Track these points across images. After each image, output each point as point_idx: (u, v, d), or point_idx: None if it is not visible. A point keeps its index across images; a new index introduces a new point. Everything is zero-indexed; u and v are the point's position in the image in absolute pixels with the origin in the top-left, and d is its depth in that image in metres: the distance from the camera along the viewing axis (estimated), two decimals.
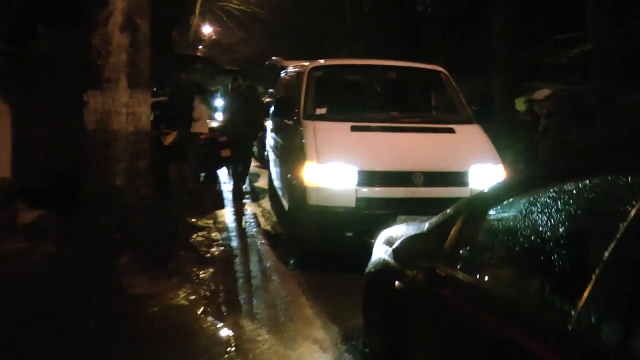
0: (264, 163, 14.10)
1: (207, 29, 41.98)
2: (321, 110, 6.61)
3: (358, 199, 5.89)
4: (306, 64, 7.49)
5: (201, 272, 6.34)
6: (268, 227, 8.34)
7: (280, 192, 8.05)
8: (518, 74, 14.11)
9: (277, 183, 8.49)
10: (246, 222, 8.75)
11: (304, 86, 6.90)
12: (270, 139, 9.73)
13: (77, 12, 7.13)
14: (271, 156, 9.39)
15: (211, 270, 6.45)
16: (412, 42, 23.53)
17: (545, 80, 15.67)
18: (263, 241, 7.63)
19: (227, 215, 9.16)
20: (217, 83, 19.52)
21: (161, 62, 14.66)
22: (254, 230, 8.25)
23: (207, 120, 12.39)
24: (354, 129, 6.26)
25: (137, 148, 6.73)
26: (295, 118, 6.85)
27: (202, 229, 8.06)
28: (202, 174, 11.84)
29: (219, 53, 41.38)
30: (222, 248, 7.24)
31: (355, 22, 30.46)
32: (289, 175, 6.91)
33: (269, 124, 10.19)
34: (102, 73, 6.50)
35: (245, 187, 11.06)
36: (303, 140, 6.27)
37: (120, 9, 6.52)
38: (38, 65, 8.66)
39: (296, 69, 8.11)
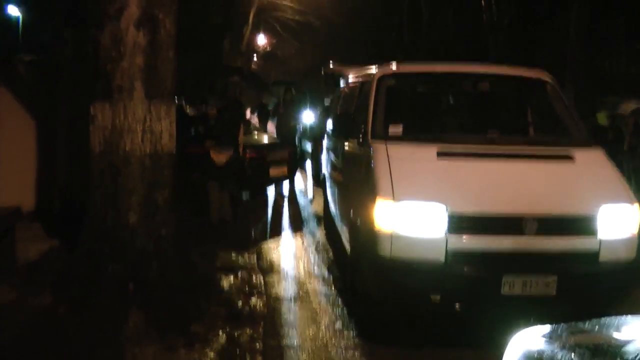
0: (319, 182, 12.60)
1: (261, 40, 41.12)
2: (396, 130, 4.99)
3: (449, 252, 4.28)
4: (373, 70, 5.90)
5: (235, 334, 4.92)
6: (324, 269, 6.76)
7: (338, 226, 6.48)
8: (596, 85, 12.32)
9: (335, 213, 6.92)
10: (297, 259, 7.17)
11: (372, 98, 5.33)
12: (326, 159, 8.15)
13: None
14: (328, 180, 7.82)
15: (248, 332, 4.98)
16: (475, 53, 21.86)
17: (622, 93, 13.90)
18: (318, 289, 6.06)
19: (273, 249, 7.60)
20: (270, 95, 18.12)
21: (209, 71, 13.35)
22: (307, 272, 6.66)
23: (257, 136, 11.02)
24: (441, 154, 4.63)
25: (156, 176, 5.23)
26: (360, 139, 5.27)
27: (240, 269, 6.53)
28: (246, 194, 10.36)
29: (273, 65, 40.83)
30: (264, 299, 5.69)
31: (414, 33, 29.16)
32: (351, 213, 5.33)
33: (325, 141, 8.63)
34: (112, 80, 5.04)
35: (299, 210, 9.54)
36: (372, 169, 4.69)
37: (137, 1, 5.06)
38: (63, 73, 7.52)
39: (360, 77, 6.53)
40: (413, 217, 4.32)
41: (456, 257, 4.27)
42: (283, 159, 10.98)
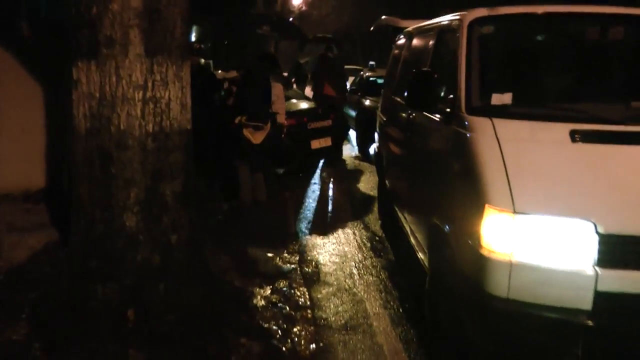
0: (366, 156, 11.06)
1: (296, 0, 39.46)
2: (503, 99, 3.42)
3: (600, 295, 2.75)
4: (452, 17, 4.32)
5: None
6: (387, 282, 5.28)
7: (407, 227, 5.01)
8: None
9: (400, 207, 5.43)
10: (350, 263, 5.70)
11: (462, 54, 3.75)
12: (384, 134, 6.61)
13: None
14: (387, 161, 6.31)
15: None
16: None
17: None
18: (381, 314, 4.61)
19: (319, 247, 6.15)
20: (305, 54, 16.41)
21: (237, 22, 11.66)
22: (365, 284, 5.20)
23: (295, 101, 9.48)
24: (578, 136, 3.07)
25: (162, 162, 3.80)
26: (446, 112, 3.71)
27: (278, 279, 5.12)
28: (283, 169, 8.92)
29: (308, 25, 39.28)
30: (311, 329, 4.28)
31: None
32: (432, 216, 3.82)
33: (381, 111, 7.08)
34: (98, 29, 3.58)
35: (347, 192, 8.03)
36: (472, 159, 3.15)
37: None
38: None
39: (432, 28, 4.94)
40: (543, 240, 2.80)
41: (611, 305, 2.75)
42: (326, 128, 9.47)
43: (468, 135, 3.29)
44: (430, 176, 4.02)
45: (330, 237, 6.39)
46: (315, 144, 9.17)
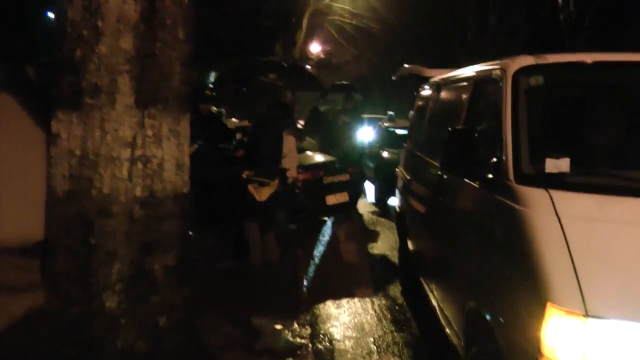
0: (384, 210, 10.47)
1: (315, 48, 39.53)
2: (557, 165, 2.83)
3: None
4: (492, 65, 3.77)
5: None
6: (406, 355, 4.63)
7: (439, 308, 4.36)
8: None
9: (426, 279, 4.85)
10: (369, 340, 5.05)
11: (506, 108, 3.18)
12: (407, 193, 6.04)
13: None
14: (411, 222, 5.74)
15: None
16: None
17: None
18: None
19: (333, 317, 5.50)
20: (325, 102, 15.95)
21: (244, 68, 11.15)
22: None
23: (311, 154, 8.95)
24: None
25: (153, 232, 3.23)
26: (488, 179, 3.13)
27: (286, 356, 4.49)
28: (296, 226, 8.33)
29: (328, 73, 39.21)
30: None
31: (480, 36, 27.07)
32: (470, 302, 3.20)
33: (404, 167, 6.52)
34: (82, 75, 3.07)
35: (362, 254, 7.39)
36: (527, 241, 2.55)
37: None
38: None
39: (469, 77, 4.39)
40: (624, 352, 2.18)
41: None
42: (343, 183, 8.90)
43: (519, 210, 2.69)
44: (467, 251, 3.41)
45: (346, 305, 5.75)
46: (332, 200, 8.59)
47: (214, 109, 11.94)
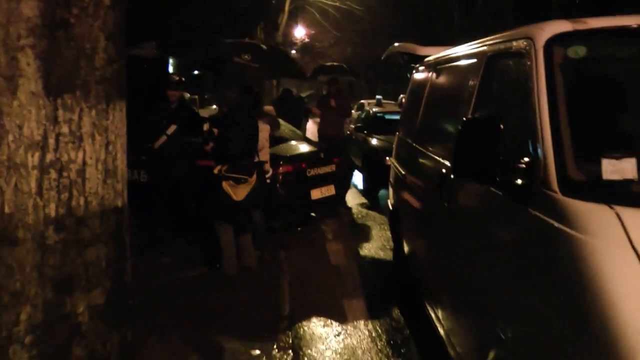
0: (374, 202, 9.70)
1: (299, 32, 38.76)
2: (619, 168, 2.05)
3: None
4: (513, 34, 3.00)
5: None
6: None
7: (440, 328, 3.62)
8: None
9: (428, 295, 4.11)
10: None
11: (541, 92, 2.40)
12: (402, 189, 5.27)
13: None
14: (408, 225, 4.99)
15: None
16: None
17: None
18: None
19: (319, 340, 4.73)
20: (307, 88, 15.10)
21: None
22: None
23: (295, 143, 8.17)
24: None
25: (73, 262, 2.43)
26: (518, 186, 2.35)
27: None
28: (276, 224, 7.54)
29: (311, 58, 38.45)
30: None
31: (465, 19, 26.40)
32: (497, 330, 2.43)
33: (399, 162, 5.75)
34: None
35: (352, 256, 6.60)
36: (584, 279, 1.78)
37: None
38: None
39: (479, 51, 3.58)
40: None
41: None
42: (329, 175, 8.11)
43: (573, 237, 1.92)
44: (487, 281, 2.64)
45: (335, 323, 4.98)
46: (317, 194, 7.80)
47: (187, 95, 11.09)
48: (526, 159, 2.35)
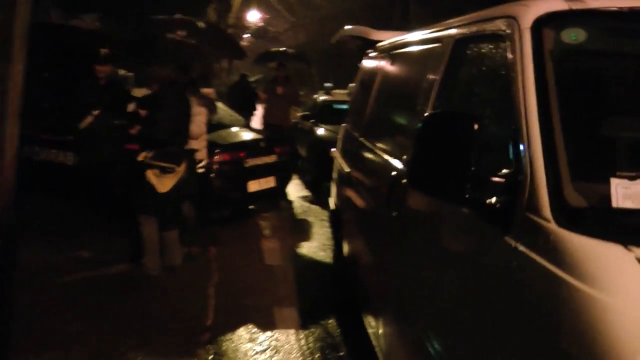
0: (317, 195, 9.14)
1: (253, 16, 37.89)
2: (633, 190, 1.51)
3: None
4: (489, 13, 2.43)
5: None
6: None
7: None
8: None
9: (371, 310, 3.52)
10: None
11: (526, 85, 1.84)
12: (345, 187, 4.71)
13: None
14: (350, 228, 4.43)
15: None
16: None
17: None
18: None
19: (244, 352, 4.13)
20: (255, 72, 14.42)
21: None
22: None
23: (235, 130, 7.53)
24: None
25: None
26: (493, 208, 1.78)
27: None
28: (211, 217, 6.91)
29: (264, 42, 37.79)
30: None
31: (422, 7, 26.07)
32: None
33: (345, 164, 5.16)
34: None
35: (289, 256, 6.00)
36: (598, 344, 1.20)
37: None
38: None
39: (444, 35, 3.00)
40: None
41: None
42: (268, 166, 7.49)
43: (572, 286, 1.36)
44: (443, 308, 2.08)
45: (263, 336, 4.39)
46: (254, 186, 7.17)
47: (122, 72, 10.25)
48: (505, 171, 1.80)
